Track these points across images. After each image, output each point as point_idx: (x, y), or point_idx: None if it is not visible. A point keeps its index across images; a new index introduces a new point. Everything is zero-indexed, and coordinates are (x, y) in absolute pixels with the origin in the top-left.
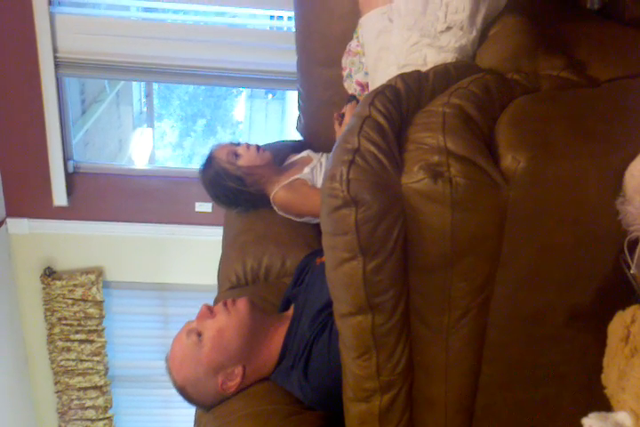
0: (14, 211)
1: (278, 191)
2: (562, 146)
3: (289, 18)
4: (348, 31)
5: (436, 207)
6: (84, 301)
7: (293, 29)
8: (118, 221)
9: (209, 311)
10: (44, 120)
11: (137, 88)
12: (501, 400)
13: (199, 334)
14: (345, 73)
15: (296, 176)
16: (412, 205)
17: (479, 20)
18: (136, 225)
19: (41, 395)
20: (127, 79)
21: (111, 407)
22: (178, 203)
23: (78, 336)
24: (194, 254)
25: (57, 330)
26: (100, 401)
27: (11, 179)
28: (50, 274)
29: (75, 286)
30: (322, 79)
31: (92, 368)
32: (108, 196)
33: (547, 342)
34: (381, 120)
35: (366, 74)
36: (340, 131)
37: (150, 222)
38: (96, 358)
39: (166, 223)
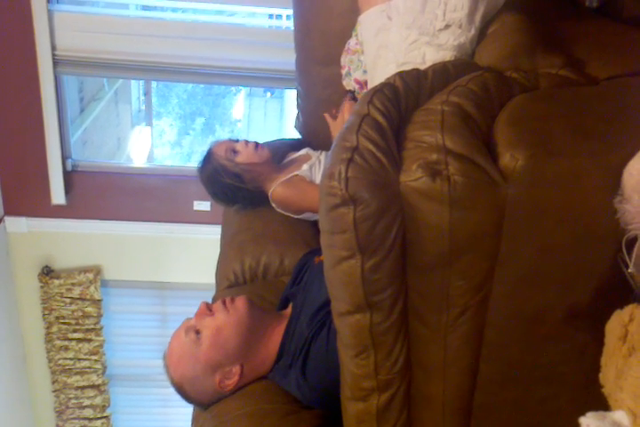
0: (12, 209)
1: (276, 188)
2: (560, 144)
3: (288, 17)
4: (347, 29)
5: (435, 206)
6: (82, 299)
7: (292, 28)
8: (116, 219)
9: (208, 309)
10: (43, 118)
11: (135, 86)
12: (499, 399)
13: (197, 332)
14: (344, 71)
15: (294, 173)
16: (411, 204)
17: (478, 18)
18: (134, 224)
19: (39, 394)
20: (126, 77)
21: (109, 406)
22: (176, 201)
23: (76, 335)
24: (192, 253)
25: (55, 329)
26: (98, 400)
27: (9, 177)
28: (48, 273)
29: (73, 284)
30: (320, 77)
31: (89, 367)
32: (106, 194)
33: (545, 340)
34: (380, 118)
35: (365, 72)
36: (333, 124)
37: (148, 221)
38: (94, 357)
39: (164, 222)
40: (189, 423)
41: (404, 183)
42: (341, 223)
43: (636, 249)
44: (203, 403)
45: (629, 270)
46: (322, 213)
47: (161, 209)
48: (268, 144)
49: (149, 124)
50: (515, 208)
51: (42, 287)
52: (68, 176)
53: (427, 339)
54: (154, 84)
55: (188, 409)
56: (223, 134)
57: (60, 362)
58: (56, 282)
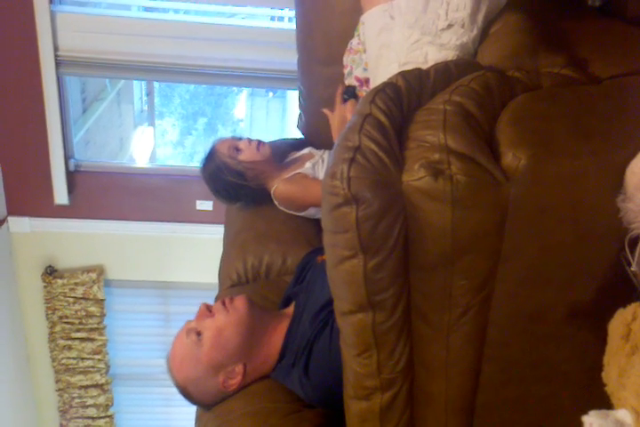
0: (16, 209)
1: (279, 185)
2: (563, 144)
3: (289, 19)
4: (349, 28)
5: (437, 205)
6: (86, 299)
7: (294, 28)
8: (119, 219)
9: (207, 310)
10: (45, 119)
11: (138, 86)
12: (502, 398)
13: (198, 334)
14: (346, 71)
15: (297, 171)
16: (413, 203)
17: (480, 17)
18: (137, 223)
19: (42, 393)
20: (128, 78)
21: (112, 406)
22: (179, 201)
23: (79, 335)
24: (195, 253)
25: (58, 328)
26: (101, 399)
27: (12, 177)
28: (51, 272)
29: (76, 284)
30: (322, 77)
31: (93, 366)
32: (109, 194)
33: (547, 340)
34: (382, 118)
35: (365, 70)
36: (332, 117)
37: (151, 221)
38: (97, 357)
39: (167, 222)
40: (192, 422)
41: (406, 183)
42: (344, 223)
43: (638, 248)
44: (207, 404)
45: (632, 269)
46: (324, 213)
47: (163, 209)
48: (270, 143)
49: (152, 124)
50: (517, 207)
51: (45, 287)
52: (71, 176)
53: (429, 338)
54: (156, 84)
55: (191, 408)
56: (226, 134)
57: (64, 361)
58: (59, 282)
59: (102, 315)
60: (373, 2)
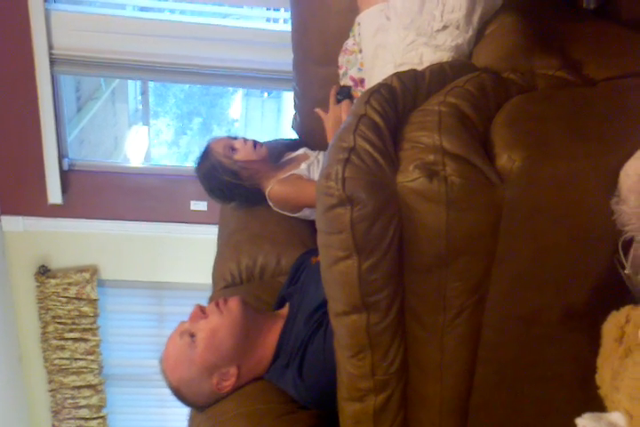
0: (9, 208)
1: (274, 186)
2: (557, 146)
3: (285, 21)
4: (345, 28)
5: (432, 206)
6: (79, 299)
7: (289, 29)
8: (113, 219)
9: (201, 312)
10: (39, 117)
11: (132, 86)
12: (496, 400)
13: (192, 335)
14: (341, 72)
15: (292, 172)
16: (408, 204)
17: (475, 19)
18: (131, 223)
19: (35, 394)
20: (122, 77)
21: (105, 406)
22: (173, 201)
23: (72, 335)
24: (189, 253)
25: (51, 328)
26: (94, 400)
27: (5, 176)
28: (44, 272)
29: (69, 284)
30: (318, 77)
31: (86, 367)
32: (103, 194)
33: (541, 341)
34: (377, 119)
35: (360, 70)
36: (325, 117)
37: (145, 221)
38: (90, 357)
39: (161, 222)
40: (185, 424)
41: (401, 184)
42: (338, 223)
43: (632, 251)
44: (200, 405)
45: (626, 272)
46: (319, 214)
47: (158, 209)
48: (265, 143)
49: (146, 123)
50: (511, 209)
51: (38, 287)
52: (65, 175)
53: (423, 340)
54: (151, 83)
55: (184, 409)
56: (220, 134)
57: (57, 362)
58: (52, 281)
59: (95, 315)
60: (370, 1)
